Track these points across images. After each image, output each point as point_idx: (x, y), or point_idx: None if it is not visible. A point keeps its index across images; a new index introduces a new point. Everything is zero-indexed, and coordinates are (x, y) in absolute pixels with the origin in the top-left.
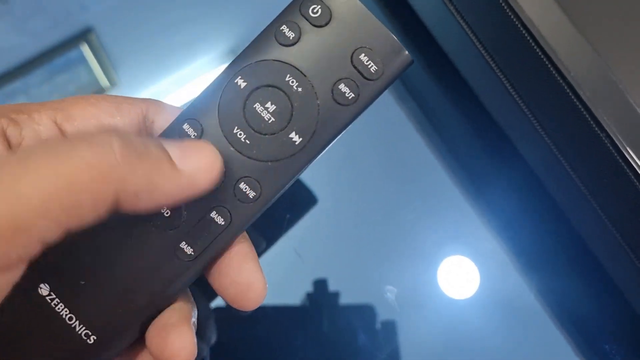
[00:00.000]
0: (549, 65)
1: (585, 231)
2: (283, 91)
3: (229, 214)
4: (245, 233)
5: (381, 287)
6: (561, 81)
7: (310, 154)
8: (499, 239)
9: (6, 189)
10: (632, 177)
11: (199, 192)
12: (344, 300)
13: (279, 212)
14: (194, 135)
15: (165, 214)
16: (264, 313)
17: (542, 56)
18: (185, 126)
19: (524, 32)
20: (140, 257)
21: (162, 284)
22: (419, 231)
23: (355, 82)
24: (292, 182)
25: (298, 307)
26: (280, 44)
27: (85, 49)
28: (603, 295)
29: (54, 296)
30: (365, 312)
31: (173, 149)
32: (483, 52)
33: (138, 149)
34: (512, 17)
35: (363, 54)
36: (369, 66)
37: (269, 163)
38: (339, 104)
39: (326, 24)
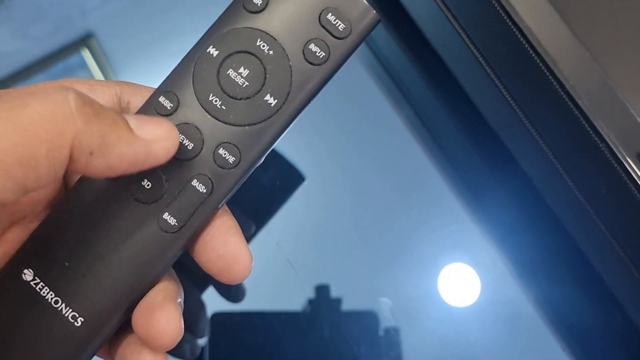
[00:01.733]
0: (548, 75)
1: (584, 243)
2: (255, 55)
3: (210, 181)
4: (227, 209)
5: (381, 295)
6: (560, 91)
7: (287, 116)
8: (500, 247)
9: None
10: (631, 186)
11: (154, 161)
12: (344, 308)
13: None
14: (170, 106)
15: (146, 185)
16: (264, 320)
17: (541, 65)
18: (161, 98)
19: (523, 41)
20: (123, 233)
21: (148, 259)
22: (420, 238)
23: (324, 41)
24: (272, 146)
25: (297, 316)
26: (249, 11)
27: (86, 54)
28: (602, 305)
29: (39, 280)
30: (365, 320)
31: (130, 118)
32: (482, 61)
33: (95, 106)
34: (511, 26)
35: (330, 14)
36: (337, 25)
37: (247, 127)
38: (311, 63)
39: None
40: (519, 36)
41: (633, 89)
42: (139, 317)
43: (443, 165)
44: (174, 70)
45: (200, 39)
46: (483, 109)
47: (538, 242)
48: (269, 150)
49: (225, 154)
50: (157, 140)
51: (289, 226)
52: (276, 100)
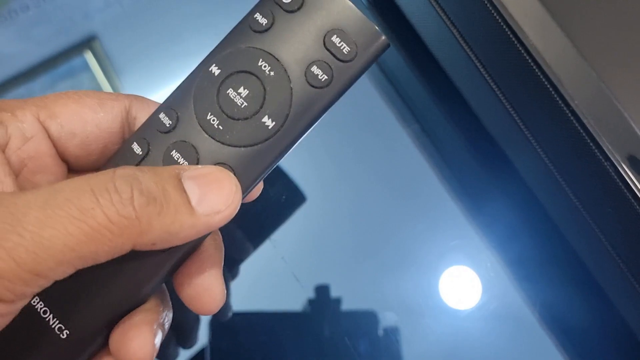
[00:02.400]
0: (551, 89)
1: (583, 251)
2: (256, 76)
3: None
4: (218, 238)
5: (383, 298)
6: (564, 107)
7: (285, 139)
8: (501, 250)
9: (31, 237)
10: (628, 195)
11: (212, 231)
12: (345, 310)
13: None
14: (169, 124)
15: None
16: (267, 320)
17: (544, 80)
18: (162, 115)
19: (523, 52)
20: None
21: (139, 277)
22: (421, 241)
23: (328, 64)
24: (268, 170)
25: (299, 318)
26: (254, 31)
27: (89, 57)
28: (602, 309)
29: None
30: (366, 322)
31: (193, 188)
32: (485, 75)
33: (157, 198)
34: (511, 37)
35: (335, 36)
36: (342, 48)
37: (242, 148)
38: (312, 86)
39: (298, 9)
40: (520, 48)
41: (631, 99)
42: (114, 335)
43: (445, 173)
44: (177, 87)
45: (206, 57)
46: (485, 119)
47: (539, 245)
48: (266, 174)
49: None
50: (219, 212)
51: (294, 239)
52: (274, 123)
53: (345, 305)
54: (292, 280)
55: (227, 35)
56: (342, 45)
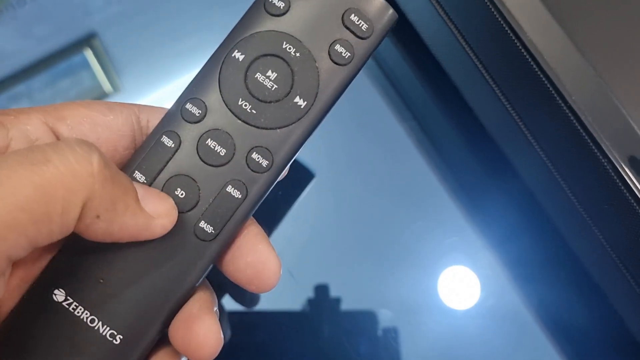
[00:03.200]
0: (550, 87)
1: (582, 252)
2: (282, 58)
3: (244, 186)
4: (252, 216)
5: (381, 297)
6: (562, 104)
7: (315, 117)
8: (499, 250)
9: None
10: (629, 196)
11: (150, 235)
12: (344, 310)
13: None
14: (198, 113)
15: (179, 195)
16: (265, 320)
17: (543, 78)
18: (189, 105)
19: (522, 50)
20: (158, 244)
21: (184, 269)
22: (420, 240)
23: (349, 41)
24: (301, 147)
25: (298, 317)
26: (272, 14)
27: (88, 54)
28: (601, 310)
29: (71, 300)
30: (365, 322)
31: (138, 187)
32: (485, 74)
33: (112, 170)
34: (510, 34)
35: (353, 14)
36: (361, 25)
37: (278, 130)
38: (337, 64)
39: None
40: (522, 49)
41: (630, 97)
42: (177, 329)
43: (443, 171)
44: (196, 77)
45: (222, 44)
46: (483, 117)
47: (537, 245)
48: (298, 152)
49: (258, 157)
50: (159, 216)
51: (291, 238)
52: (305, 102)
53: (343, 305)
54: (289, 280)
55: (241, 20)
56: (361, 22)
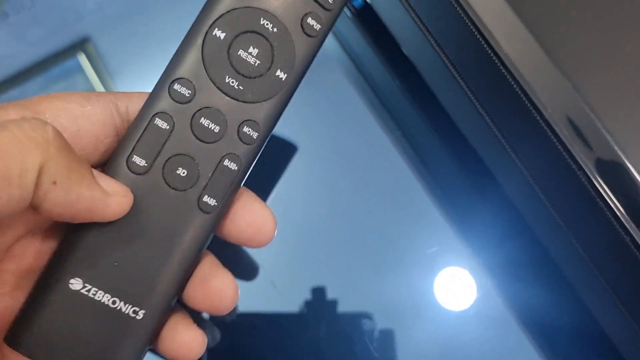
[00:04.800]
0: (527, 102)
1: (562, 262)
2: (261, 34)
3: (238, 158)
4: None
5: (377, 299)
6: (535, 113)
7: (293, 87)
8: (496, 251)
9: None
10: (602, 205)
11: (107, 214)
12: (340, 311)
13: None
14: (188, 93)
15: (181, 173)
16: (261, 320)
17: (520, 94)
18: (177, 86)
19: (497, 62)
20: (167, 222)
21: (193, 241)
22: (416, 242)
23: (318, 14)
24: (280, 116)
25: (294, 318)
26: None
27: (82, 58)
28: (597, 312)
29: (90, 287)
30: (361, 323)
31: (94, 170)
32: (465, 88)
33: (67, 144)
34: (485, 46)
35: None
36: None
37: (263, 103)
38: (309, 36)
39: None
40: (495, 60)
41: (605, 108)
42: (194, 291)
43: (439, 176)
44: (177, 56)
45: (198, 20)
46: (463, 128)
47: (533, 247)
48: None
49: (249, 130)
50: (115, 194)
51: (285, 243)
52: (286, 74)
53: (339, 307)
54: (285, 283)
55: None
56: None
